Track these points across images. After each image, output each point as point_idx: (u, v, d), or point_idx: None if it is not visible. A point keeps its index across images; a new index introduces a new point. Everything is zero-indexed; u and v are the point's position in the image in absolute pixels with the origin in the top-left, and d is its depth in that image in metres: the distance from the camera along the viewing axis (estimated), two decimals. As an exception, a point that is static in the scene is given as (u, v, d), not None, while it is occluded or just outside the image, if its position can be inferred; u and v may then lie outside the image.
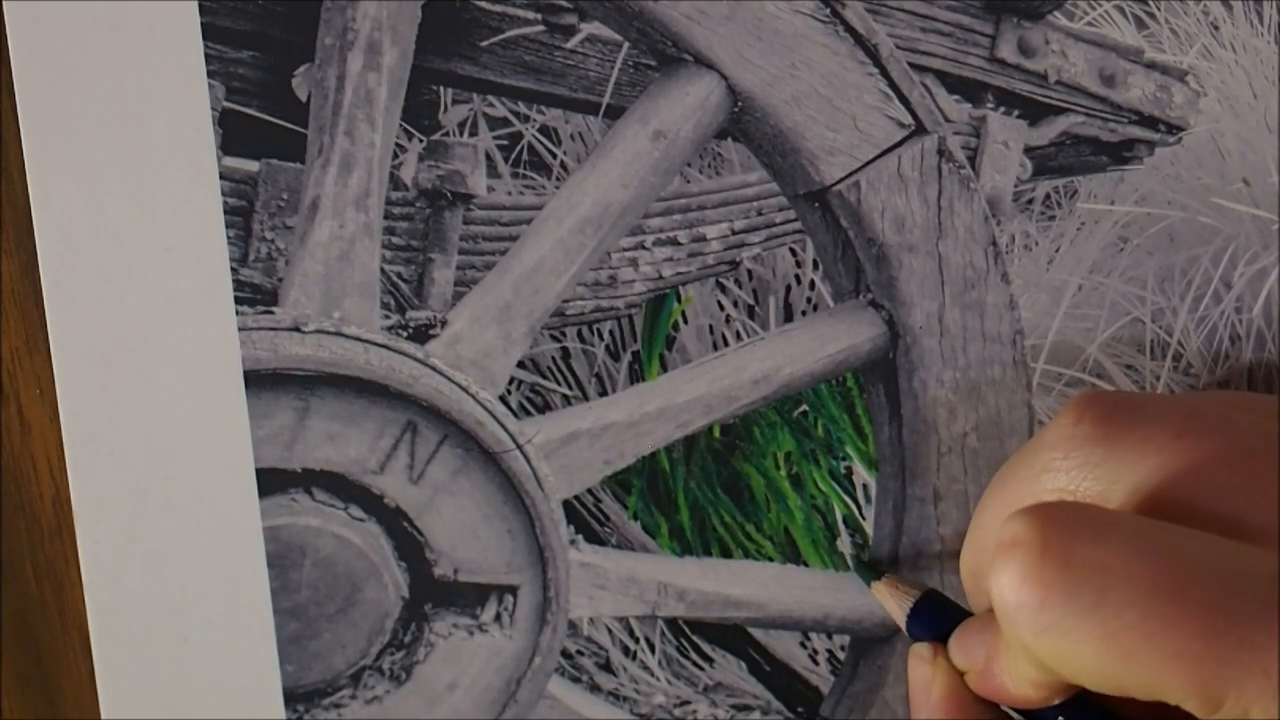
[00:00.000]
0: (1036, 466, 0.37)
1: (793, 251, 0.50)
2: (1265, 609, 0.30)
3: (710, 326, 0.50)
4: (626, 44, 0.48)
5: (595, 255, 0.48)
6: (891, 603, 0.45)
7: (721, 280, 0.51)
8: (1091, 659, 0.32)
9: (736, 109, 0.48)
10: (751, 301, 0.51)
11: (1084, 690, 0.37)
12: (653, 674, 0.50)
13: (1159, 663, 0.31)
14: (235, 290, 0.45)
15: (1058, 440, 0.37)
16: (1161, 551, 0.32)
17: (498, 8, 0.47)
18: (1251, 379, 0.52)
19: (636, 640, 0.50)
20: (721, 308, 0.50)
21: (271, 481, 0.46)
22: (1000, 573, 0.33)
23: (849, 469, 0.51)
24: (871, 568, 0.48)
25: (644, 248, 0.49)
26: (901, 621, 0.44)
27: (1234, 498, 0.34)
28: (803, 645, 0.51)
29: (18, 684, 0.46)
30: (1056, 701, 0.38)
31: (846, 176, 0.48)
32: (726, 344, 0.50)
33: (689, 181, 0.50)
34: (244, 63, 0.46)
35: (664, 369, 0.50)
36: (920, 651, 0.41)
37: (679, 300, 0.50)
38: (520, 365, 0.48)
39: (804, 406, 0.51)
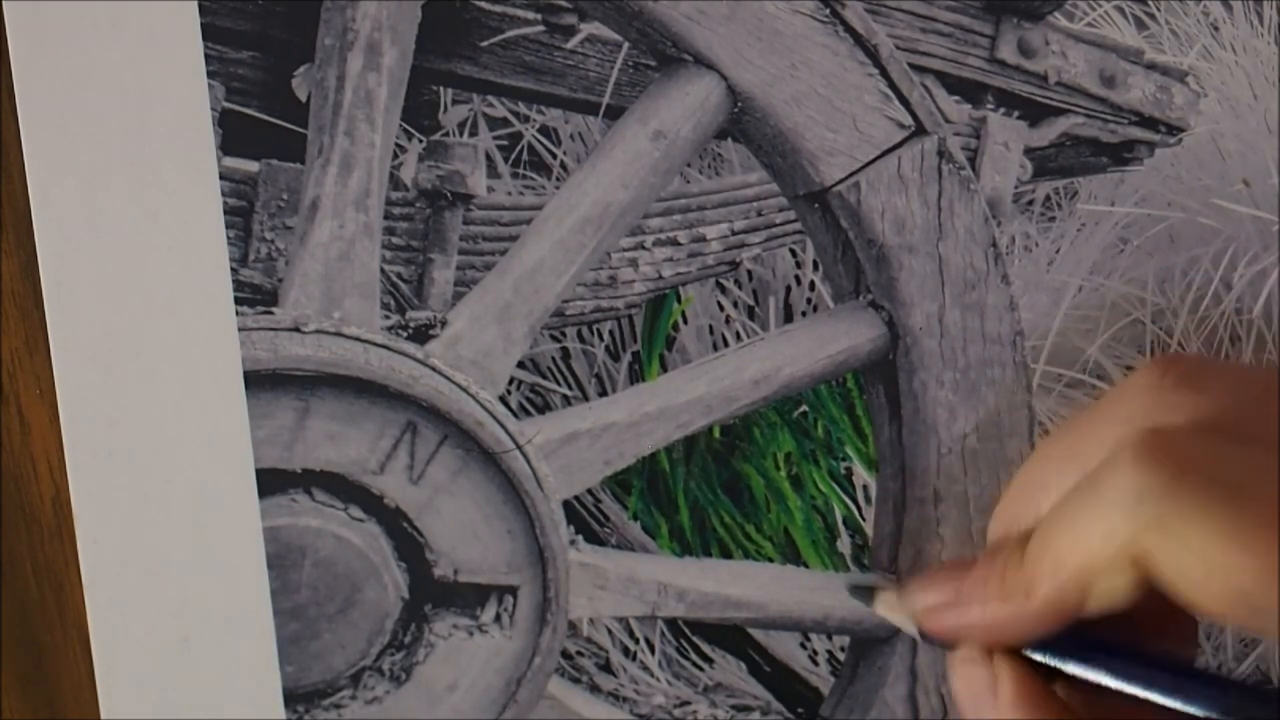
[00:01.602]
0: (1116, 415, 0.37)
1: (793, 252, 0.50)
2: None
3: (710, 326, 0.51)
4: (626, 44, 0.48)
5: (595, 255, 0.48)
6: (899, 615, 0.45)
7: (721, 280, 0.51)
8: (1206, 557, 0.32)
9: (736, 109, 0.48)
10: (751, 302, 0.51)
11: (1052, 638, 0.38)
12: (653, 674, 0.50)
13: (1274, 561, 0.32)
14: (235, 290, 0.45)
15: (1145, 389, 0.37)
16: None
17: (498, 8, 0.47)
18: (1251, 380, 0.52)
19: (636, 641, 0.50)
20: (721, 308, 0.50)
21: (271, 482, 0.46)
22: (1126, 464, 0.34)
23: (849, 470, 0.51)
24: (865, 590, 0.48)
25: (644, 248, 0.49)
26: (915, 630, 0.44)
27: None
28: (803, 646, 0.51)
29: (18, 684, 0.46)
30: (1043, 630, 0.38)
31: (846, 177, 0.48)
32: (726, 344, 0.50)
33: (689, 181, 0.50)
34: (244, 63, 0.46)
35: (664, 369, 0.50)
36: (970, 655, 0.41)
37: (679, 300, 0.50)
38: (520, 365, 0.48)
39: (804, 407, 0.51)
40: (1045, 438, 0.42)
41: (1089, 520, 0.35)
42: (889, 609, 0.46)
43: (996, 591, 0.39)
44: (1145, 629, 0.39)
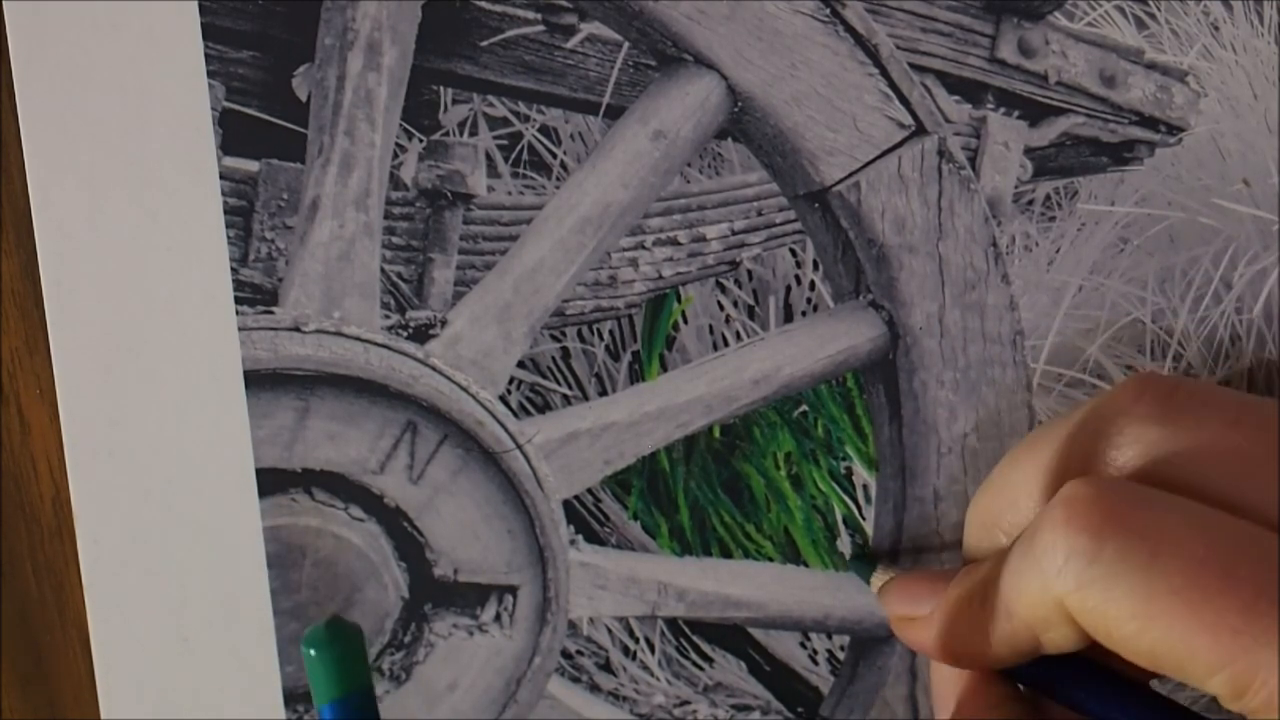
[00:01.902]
0: (1086, 434, 0.38)
1: (793, 252, 0.50)
2: None
3: (710, 326, 0.50)
4: (626, 44, 0.48)
5: (595, 255, 0.48)
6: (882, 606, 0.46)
7: (721, 280, 0.50)
8: (1129, 618, 0.33)
9: (736, 109, 0.48)
10: (751, 301, 0.51)
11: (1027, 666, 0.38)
12: (653, 674, 0.50)
13: (1194, 632, 0.32)
14: (235, 290, 0.45)
15: (1114, 414, 0.37)
16: (1214, 531, 0.33)
17: (498, 8, 0.47)
18: (1251, 379, 0.52)
19: (636, 640, 0.50)
20: (721, 308, 0.50)
21: (271, 481, 0.46)
22: (1056, 524, 0.34)
23: (849, 469, 0.51)
24: (868, 561, 0.49)
25: (644, 248, 0.49)
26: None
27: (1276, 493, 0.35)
28: (803, 645, 0.51)
29: (18, 684, 0.46)
30: (1008, 665, 0.39)
31: (846, 177, 0.48)
32: (726, 344, 0.50)
33: (689, 181, 0.50)
34: (244, 63, 0.46)
35: (664, 369, 0.50)
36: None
37: (679, 300, 0.50)
38: (520, 365, 0.48)
39: (804, 406, 0.51)
40: (1024, 438, 0.42)
41: (1025, 578, 0.36)
42: (878, 594, 0.47)
43: (962, 623, 0.40)
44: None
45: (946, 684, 0.42)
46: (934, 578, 0.44)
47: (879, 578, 0.47)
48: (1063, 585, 0.34)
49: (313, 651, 0.35)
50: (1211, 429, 0.36)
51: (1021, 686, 0.41)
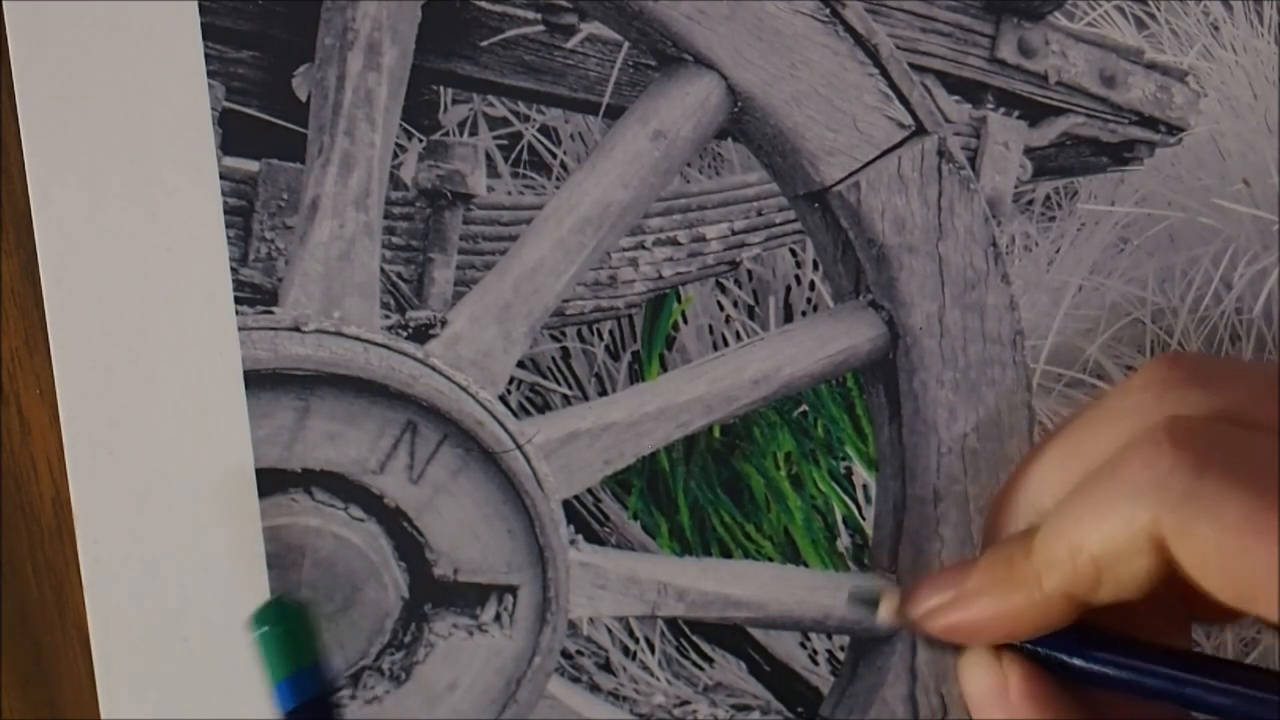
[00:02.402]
0: (1124, 409, 0.38)
1: (793, 252, 0.50)
2: None
3: (710, 326, 0.50)
4: (626, 44, 0.48)
5: (595, 255, 0.48)
6: (901, 621, 0.45)
7: (721, 280, 0.51)
8: (1233, 539, 0.33)
9: (736, 109, 0.48)
10: (751, 301, 0.51)
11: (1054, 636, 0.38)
12: (653, 674, 0.50)
13: None
14: (235, 290, 0.45)
15: (1150, 384, 0.37)
16: None
17: (498, 8, 0.47)
18: (1251, 379, 0.52)
19: (636, 640, 0.50)
20: (721, 308, 0.50)
21: (271, 481, 0.46)
22: (1158, 445, 0.34)
23: (849, 469, 0.51)
24: (868, 601, 0.49)
25: (644, 248, 0.49)
26: (920, 635, 0.44)
27: None
28: (803, 645, 0.51)
29: (18, 684, 0.46)
30: (1047, 626, 0.38)
31: (846, 177, 0.48)
32: (726, 344, 0.50)
33: (689, 181, 0.50)
34: (244, 63, 0.46)
35: (664, 369, 0.50)
36: (978, 657, 0.41)
37: (679, 300, 0.50)
38: (520, 365, 0.48)
39: (804, 406, 0.51)
40: (1045, 435, 0.42)
41: (1109, 504, 0.35)
42: (892, 615, 0.46)
43: (1004, 584, 0.39)
44: (1138, 626, 0.39)
45: (992, 698, 0.40)
46: (955, 568, 0.43)
47: (888, 600, 0.47)
48: (1157, 507, 0.33)
49: (262, 630, 0.35)
50: (1251, 389, 0.36)
51: (1050, 654, 0.40)
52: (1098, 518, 0.35)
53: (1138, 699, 0.38)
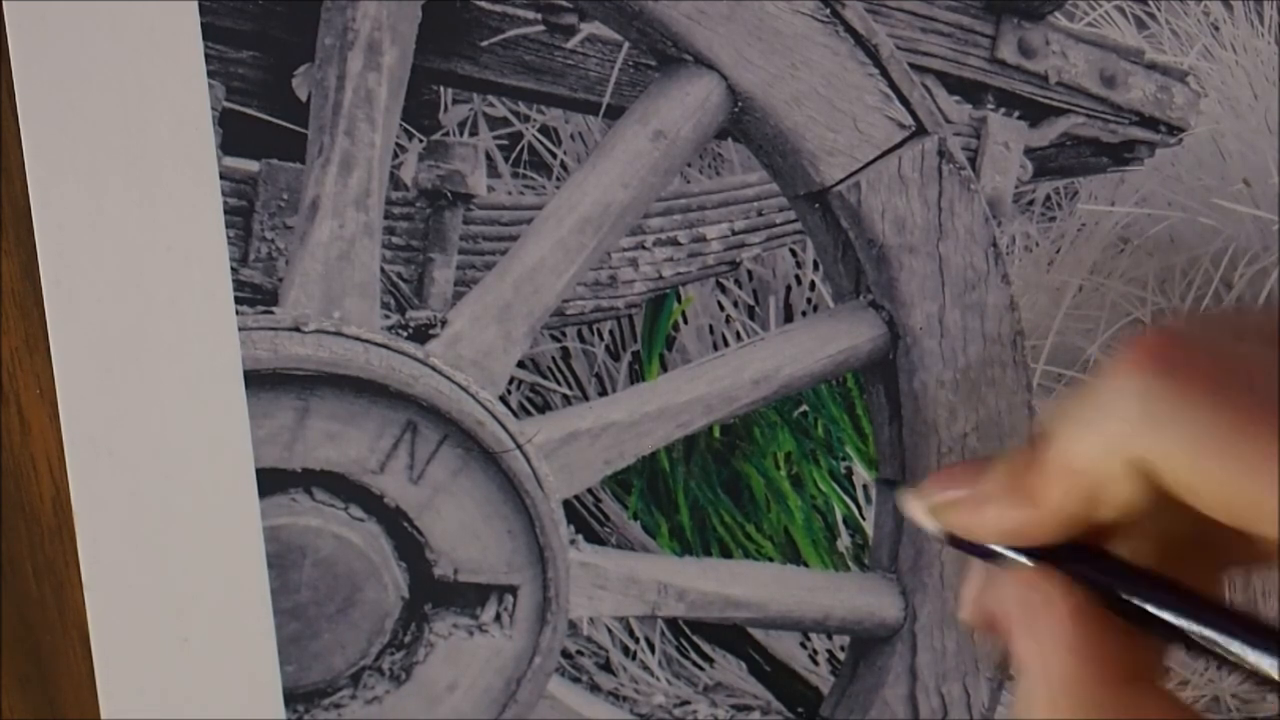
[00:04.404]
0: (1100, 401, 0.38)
1: (793, 252, 0.50)
2: None
3: (710, 326, 0.51)
4: (626, 44, 0.48)
5: (595, 255, 0.48)
6: (921, 514, 0.44)
7: (721, 280, 0.51)
8: (1212, 457, 0.32)
9: (736, 109, 0.48)
10: (751, 301, 0.51)
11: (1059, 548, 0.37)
12: (653, 674, 0.50)
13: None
14: (235, 290, 0.45)
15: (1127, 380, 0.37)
16: None
17: (498, 8, 0.47)
18: (1251, 379, 0.52)
19: (636, 640, 0.50)
20: (721, 308, 0.50)
21: (271, 481, 0.46)
22: (1127, 364, 0.33)
23: (849, 469, 0.51)
24: (893, 483, 0.48)
25: (644, 248, 0.49)
26: (938, 534, 0.43)
27: None
28: (803, 645, 0.51)
29: (18, 684, 0.46)
30: (1054, 537, 0.37)
31: (847, 177, 0.48)
32: (726, 344, 0.50)
33: (689, 181, 0.50)
34: (244, 63, 0.46)
35: (664, 369, 0.50)
36: (1024, 574, 0.39)
37: (679, 300, 0.50)
38: (520, 365, 0.48)
39: (804, 406, 0.51)
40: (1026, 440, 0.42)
41: (1088, 426, 0.35)
42: (911, 507, 0.46)
43: (1013, 493, 0.38)
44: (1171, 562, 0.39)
45: (1048, 630, 0.39)
46: (972, 464, 0.42)
47: (904, 494, 0.47)
48: (1132, 426, 0.33)
49: None
50: (1242, 326, 0.36)
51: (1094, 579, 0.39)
52: (1079, 440, 0.35)
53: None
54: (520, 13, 0.47)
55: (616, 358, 0.50)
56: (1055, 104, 0.51)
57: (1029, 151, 0.50)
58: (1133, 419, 0.33)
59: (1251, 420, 0.31)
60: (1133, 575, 0.38)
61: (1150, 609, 0.37)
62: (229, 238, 0.45)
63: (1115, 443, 0.34)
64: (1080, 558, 0.38)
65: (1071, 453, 0.36)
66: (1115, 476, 0.35)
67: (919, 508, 0.44)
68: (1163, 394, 0.33)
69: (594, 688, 0.50)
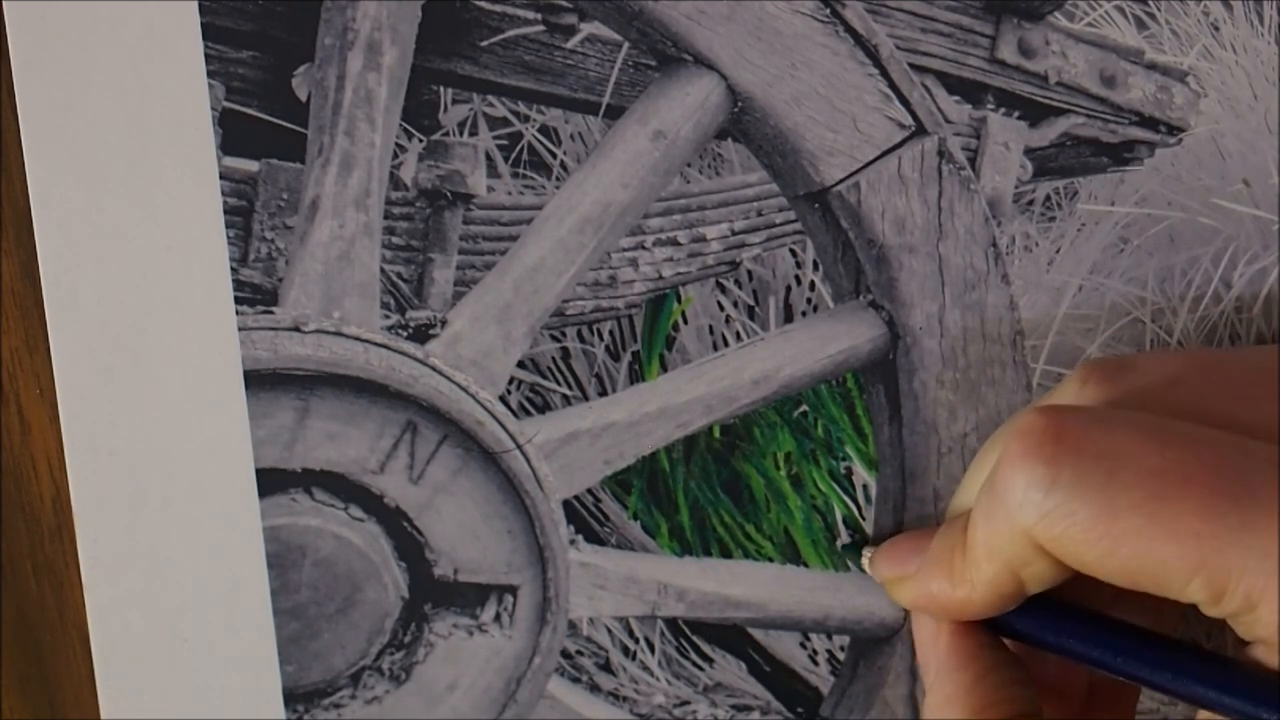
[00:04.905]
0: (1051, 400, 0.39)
1: (793, 252, 0.50)
2: (1266, 492, 0.31)
3: (710, 326, 0.50)
4: (626, 44, 0.48)
5: (595, 255, 0.48)
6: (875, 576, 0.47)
7: (721, 280, 0.51)
8: (1097, 541, 0.33)
9: (736, 109, 0.48)
10: (751, 302, 0.51)
11: (1017, 610, 0.38)
12: (653, 674, 0.50)
13: (1160, 542, 0.32)
14: (235, 290, 0.45)
15: (1065, 394, 0.39)
16: (1166, 438, 0.33)
17: (498, 8, 0.47)
18: (1251, 379, 0.52)
19: (636, 640, 0.50)
20: (721, 308, 0.50)
21: (271, 481, 0.46)
22: (1012, 458, 0.34)
23: (849, 469, 0.51)
24: (855, 549, 0.49)
25: (644, 248, 0.49)
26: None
27: (1229, 399, 0.35)
28: (803, 645, 0.51)
29: (18, 684, 0.46)
30: (996, 611, 0.38)
31: (847, 177, 0.48)
32: (726, 344, 0.50)
33: (689, 181, 0.50)
34: (244, 63, 0.46)
35: (664, 369, 0.50)
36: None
37: (679, 300, 0.50)
38: (520, 365, 0.48)
39: (804, 406, 0.51)
40: (990, 439, 0.43)
41: (993, 518, 0.36)
42: (872, 573, 0.47)
43: (945, 574, 0.40)
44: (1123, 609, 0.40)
45: (928, 645, 0.41)
46: (918, 537, 0.44)
47: (868, 552, 0.48)
48: (1026, 518, 0.34)
49: None
50: (1154, 379, 0.36)
51: (1010, 644, 0.40)
52: (988, 532, 0.36)
53: (1086, 667, 0.39)
54: (520, 13, 0.47)
55: (616, 358, 0.50)
56: (1055, 104, 0.51)
57: (1029, 151, 0.50)
58: (1030, 511, 0.34)
59: (1129, 506, 0.32)
60: (1072, 621, 0.39)
61: (1072, 647, 0.39)
62: (229, 238, 0.45)
63: (1015, 531, 0.35)
64: (1033, 608, 0.39)
65: (986, 543, 0.37)
66: (1027, 559, 0.36)
67: (877, 576, 0.46)
68: (1050, 484, 0.34)
69: (594, 688, 0.50)
